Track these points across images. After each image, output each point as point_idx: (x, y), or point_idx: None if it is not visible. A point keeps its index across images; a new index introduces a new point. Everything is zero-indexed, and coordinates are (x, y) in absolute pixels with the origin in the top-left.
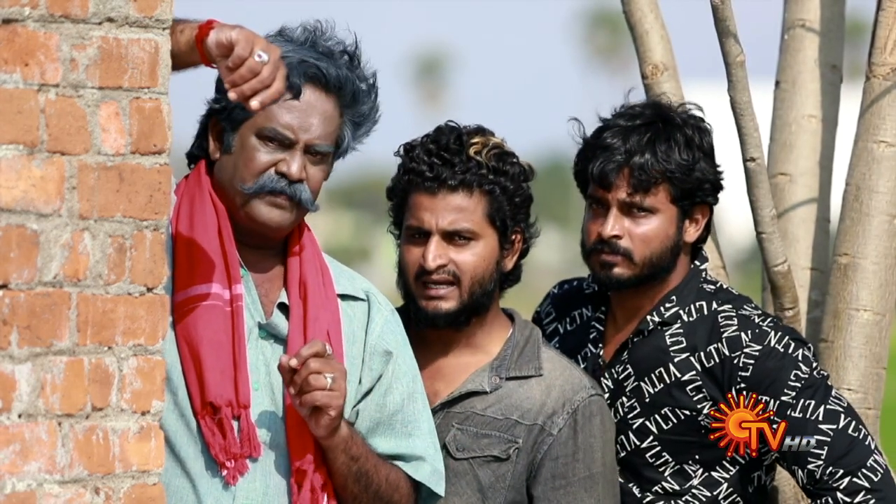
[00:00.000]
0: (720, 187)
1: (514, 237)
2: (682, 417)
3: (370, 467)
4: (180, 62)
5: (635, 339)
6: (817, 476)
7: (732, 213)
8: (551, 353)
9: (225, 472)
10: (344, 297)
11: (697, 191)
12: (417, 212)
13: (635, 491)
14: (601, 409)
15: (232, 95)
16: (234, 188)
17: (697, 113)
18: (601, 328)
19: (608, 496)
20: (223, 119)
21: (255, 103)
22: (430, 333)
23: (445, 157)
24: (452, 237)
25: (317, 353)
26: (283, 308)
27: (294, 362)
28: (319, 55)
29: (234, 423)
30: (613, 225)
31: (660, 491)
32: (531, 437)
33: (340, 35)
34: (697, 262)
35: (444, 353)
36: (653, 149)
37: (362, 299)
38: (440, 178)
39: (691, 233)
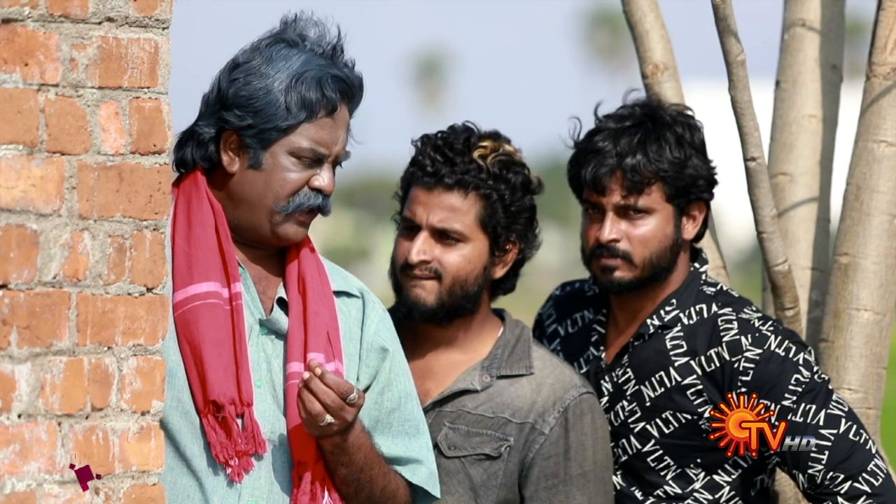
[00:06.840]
0: (715, 182)
1: (507, 246)
2: (684, 421)
3: (364, 477)
4: None
5: (636, 343)
6: (818, 480)
7: (733, 212)
8: (542, 352)
9: (230, 470)
10: (338, 293)
11: (692, 188)
12: (412, 205)
13: (637, 495)
14: (592, 407)
15: None
16: (267, 206)
17: (687, 111)
18: (602, 331)
19: (600, 494)
20: (249, 136)
21: None
22: (421, 333)
23: (448, 154)
24: (441, 235)
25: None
26: (282, 304)
27: (317, 371)
28: (342, 65)
29: (238, 421)
30: (611, 229)
31: (662, 495)
32: (522, 436)
33: (321, 23)
34: (697, 265)
35: (435, 352)
36: (644, 149)
37: (356, 296)
38: (438, 175)
39: (689, 230)
